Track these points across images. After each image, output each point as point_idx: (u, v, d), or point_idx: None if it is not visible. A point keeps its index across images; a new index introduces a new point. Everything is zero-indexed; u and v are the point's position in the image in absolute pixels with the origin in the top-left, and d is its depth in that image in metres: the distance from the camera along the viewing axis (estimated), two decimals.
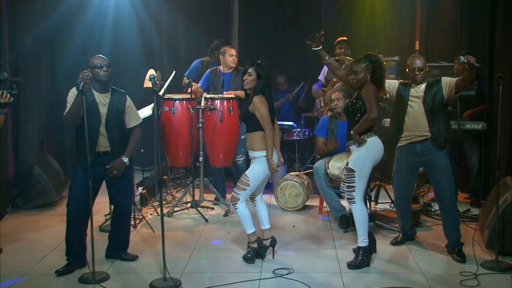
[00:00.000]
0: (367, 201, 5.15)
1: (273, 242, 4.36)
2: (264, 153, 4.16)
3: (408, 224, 4.67)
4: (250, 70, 4.23)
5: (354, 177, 4.13)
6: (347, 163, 4.22)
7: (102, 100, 4.13)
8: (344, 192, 4.21)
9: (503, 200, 4.34)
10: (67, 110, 4.03)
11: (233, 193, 4.24)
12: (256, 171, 4.20)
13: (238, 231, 5.04)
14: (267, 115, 4.12)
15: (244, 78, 4.24)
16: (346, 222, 5.15)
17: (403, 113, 4.36)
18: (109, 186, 4.28)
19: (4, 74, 4.40)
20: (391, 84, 4.52)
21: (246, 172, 4.24)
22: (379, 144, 4.20)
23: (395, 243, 4.66)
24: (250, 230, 4.27)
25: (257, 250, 4.29)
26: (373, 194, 5.40)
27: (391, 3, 7.26)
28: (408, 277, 3.98)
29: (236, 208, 4.22)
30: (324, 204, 5.53)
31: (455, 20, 6.52)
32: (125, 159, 4.16)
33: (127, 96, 4.29)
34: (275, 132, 4.29)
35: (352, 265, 4.15)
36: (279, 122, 6.65)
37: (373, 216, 5.15)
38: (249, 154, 4.28)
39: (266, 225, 4.35)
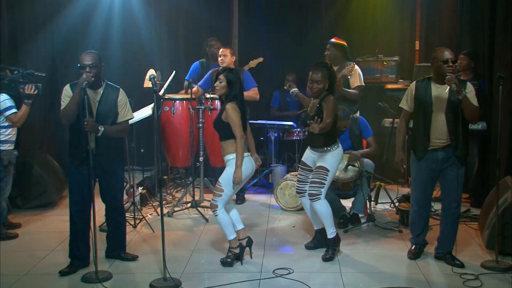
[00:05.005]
0: (367, 201, 5.16)
1: (250, 242, 4.33)
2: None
3: (424, 233, 4.35)
4: (220, 76, 4.20)
5: (327, 175, 4.33)
6: (314, 163, 4.43)
7: (95, 96, 4.07)
8: (303, 191, 4.48)
9: (503, 200, 4.34)
10: (62, 108, 4.02)
11: (211, 200, 4.23)
12: (228, 175, 4.14)
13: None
14: (239, 122, 4.09)
15: (215, 85, 4.24)
16: (346, 222, 5.16)
17: (429, 119, 4.08)
18: (99, 184, 4.25)
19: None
20: (408, 96, 4.24)
21: (219, 178, 4.21)
22: (341, 149, 4.48)
23: (412, 257, 4.30)
24: (231, 236, 4.23)
25: (238, 255, 4.27)
26: (373, 194, 5.40)
27: (391, 3, 7.25)
28: (408, 277, 3.98)
29: (216, 215, 4.19)
30: None
31: (455, 20, 6.52)
32: (100, 127, 3.96)
33: (121, 90, 4.19)
34: (249, 137, 4.35)
35: (327, 258, 4.31)
36: (280, 122, 6.73)
37: (373, 216, 5.15)
38: (224, 159, 4.24)
39: (239, 226, 4.31)
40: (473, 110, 3.97)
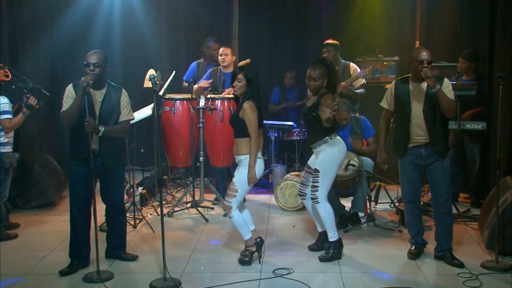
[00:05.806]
0: (367, 201, 5.16)
1: (261, 242, 4.33)
2: None
3: (421, 233, 4.39)
4: (239, 76, 4.15)
5: (319, 177, 4.24)
6: (314, 164, 4.33)
7: (98, 97, 4.08)
8: (304, 193, 4.45)
9: (503, 200, 4.34)
10: (64, 109, 4.01)
11: (224, 202, 4.22)
12: (242, 175, 4.13)
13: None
14: (255, 122, 4.08)
15: (234, 85, 4.18)
16: (346, 221, 5.16)
17: (408, 117, 4.17)
18: (100, 183, 4.26)
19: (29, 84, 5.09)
20: (388, 95, 4.35)
21: (233, 179, 4.20)
22: (343, 146, 4.34)
23: (412, 257, 4.31)
24: (248, 236, 4.24)
25: (254, 253, 4.27)
26: (373, 194, 5.40)
27: (391, 3, 7.25)
28: (408, 277, 3.98)
29: (231, 217, 4.19)
30: None
31: (455, 20, 6.52)
32: (101, 128, 3.97)
33: (123, 90, 4.21)
34: (259, 138, 4.27)
35: (324, 259, 4.29)
36: (280, 122, 6.73)
37: (373, 216, 5.14)
38: (235, 159, 4.24)
39: (251, 227, 4.31)
40: (448, 103, 4.03)
